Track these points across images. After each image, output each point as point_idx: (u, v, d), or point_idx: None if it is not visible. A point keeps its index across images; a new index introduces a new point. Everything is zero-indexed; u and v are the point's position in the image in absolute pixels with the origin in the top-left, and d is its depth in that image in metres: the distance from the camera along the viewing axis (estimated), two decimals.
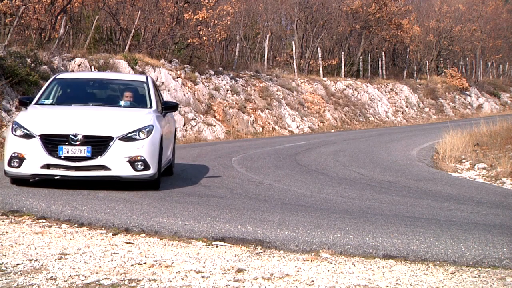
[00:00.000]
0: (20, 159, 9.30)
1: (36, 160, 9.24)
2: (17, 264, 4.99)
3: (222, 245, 5.87)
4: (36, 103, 10.32)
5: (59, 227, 6.82)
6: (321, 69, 34.74)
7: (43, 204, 8.15)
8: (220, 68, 28.52)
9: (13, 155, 9.33)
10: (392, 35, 41.03)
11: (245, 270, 4.79)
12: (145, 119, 9.79)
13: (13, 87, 18.59)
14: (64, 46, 23.34)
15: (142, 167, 9.35)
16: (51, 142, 9.22)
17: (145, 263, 5.01)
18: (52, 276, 4.62)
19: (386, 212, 8.48)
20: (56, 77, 11.12)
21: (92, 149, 9.21)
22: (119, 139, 9.30)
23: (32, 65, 19.60)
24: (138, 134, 9.45)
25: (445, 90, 42.46)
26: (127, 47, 25.16)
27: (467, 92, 44.21)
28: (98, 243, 5.89)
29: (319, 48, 35.44)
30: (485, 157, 15.38)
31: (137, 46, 26.19)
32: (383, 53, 40.54)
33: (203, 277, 4.58)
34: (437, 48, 45.20)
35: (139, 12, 26.22)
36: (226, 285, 4.37)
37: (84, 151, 9.20)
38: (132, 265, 4.95)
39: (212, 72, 27.15)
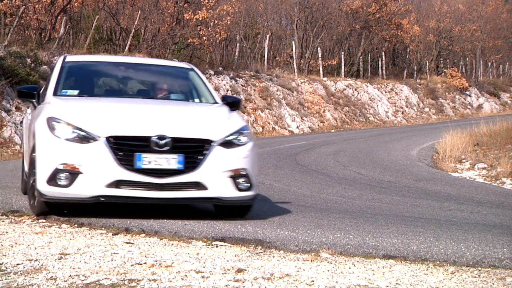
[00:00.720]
0: (72, 174, 6.48)
1: (100, 175, 6.46)
2: (17, 264, 4.99)
3: (222, 245, 5.87)
4: (56, 95, 7.55)
5: (59, 227, 6.82)
6: (321, 69, 34.74)
7: None
8: (220, 68, 28.52)
9: (60, 167, 6.49)
10: (392, 35, 41.03)
11: (245, 270, 4.80)
12: (235, 119, 7.26)
13: (13, 87, 18.60)
14: (64, 46, 23.35)
15: (248, 185, 6.85)
16: (124, 148, 6.48)
17: (145, 263, 5.01)
18: (52, 276, 4.62)
19: (386, 212, 8.49)
20: (66, 61, 8.22)
21: (185, 158, 6.56)
22: (218, 145, 6.71)
23: (32, 65, 19.62)
24: (239, 138, 6.90)
25: (445, 90, 42.45)
26: (127, 47, 25.17)
27: (467, 92, 44.20)
28: (98, 243, 5.89)
29: (319, 48, 35.44)
30: (485, 157, 15.38)
31: (137, 46, 26.20)
32: (383, 53, 40.55)
33: (203, 277, 4.58)
34: (437, 48, 45.19)
35: (139, 12, 26.23)
36: (226, 285, 4.37)
37: (173, 161, 6.52)
38: (132, 265, 4.96)
39: (212, 72, 27.16)
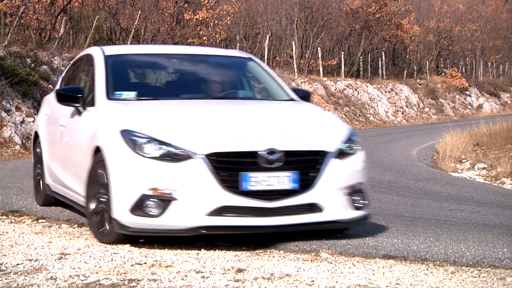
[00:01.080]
0: (163, 201, 5.33)
1: (199, 201, 5.32)
2: (17, 264, 4.99)
3: (222, 245, 5.86)
4: (110, 98, 6.32)
5: (59, 227, 6.82)
6: (321, 69, 34.74)
7: None
8: None
9: (148, 193, 5.35)
10: (392, 35, 41.05)
11: (245, 270, 4.79)
12: (337, 121, 6.22)
13: (13, 87, 18.60)
14: (64, 46, 23.37)
15: (365, 203, 5.99)
16: (228, 167, 5.35)
17: (145, 263, 5.01)
18: (52, 276, 4.62)
19: (386, 212, 8.48)
20: (107, 54, 6.86)
21: (300, 175, 5.50)
22: (333, 156, 5.67)
23: (32, 65, 19.62)
24: (351, 147, 5.88)
25: (445, 90, 42.45)
26: None
27: (467, 92, 44.21)
28: (98, 243, 5.89)
29: (319, 48, 35.44)
30: (485, 157, 15.38)
31: None
32: (383, 53, 40.56)
33: (203, 277, 4.58)
34: (437, 48, 45.21)
35: (139, 12, 26.24)
36: (226, 285, 4.37)
37: (286, 179, 5.44)
38: (132, 265, 4.96)
39: None
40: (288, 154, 5.44)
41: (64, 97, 6.65)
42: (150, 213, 5.36)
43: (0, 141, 17.36)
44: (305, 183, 5.49)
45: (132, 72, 7.18)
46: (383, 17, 39.43)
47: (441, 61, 46.77)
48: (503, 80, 50.62)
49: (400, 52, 45.02)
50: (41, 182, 8.01)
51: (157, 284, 4.40)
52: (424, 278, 4.67)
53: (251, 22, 35.91)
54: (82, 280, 4.52)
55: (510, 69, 52.50)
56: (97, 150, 5.86)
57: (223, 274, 4.67)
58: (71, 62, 8.19)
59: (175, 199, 5.32)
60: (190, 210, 5.32)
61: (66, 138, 7.02)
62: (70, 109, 6.84)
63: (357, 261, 5.23)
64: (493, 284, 4.57)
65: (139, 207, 5.37)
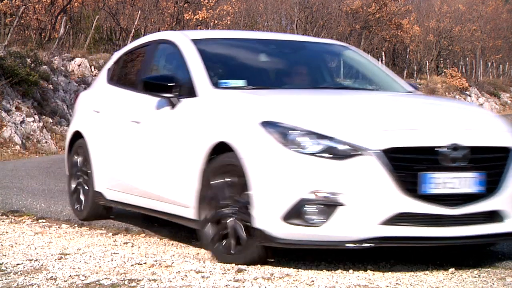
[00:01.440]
0: (327, 207, 4.42)
1: (374, 207, 4.41)
2: (17, 264, 4.99)
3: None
4: (218, 87, 5.39)
5: (59, 227, 6.82)
6: None
7: (43, 204, 8.16)
8: None
9: (309, 197, 4.41)
10: (392, 35, 41.07)
11: (245, 270, 4.79)
12: (494, 115, 5.46)
13: (13, 87, 18.61)
14: (64, 46, 23.39)
15: None
16: (404, 165, 4.43)
17: (145, 263, 5.01)
18: (52, 276, 4.62)
19: None
20: (194, 38, 5.97)
21: (487, 177, 4.62)
22: None
23: (32, 65, 19.63)
24: None
25: (445, 90, 42.46)
26: None
27: (467, 92, 44.20)
28: (98, 243, 5.90)
29: None
30: None
31: None
32: (383, 53, 40.56)
33: (203, 277, 4.58)
34: (437, 48, 45.21)
35: (139, 12, 26.26)
36: (226, 285, 4.37)
37: (470, 181, 4.57)
38: (132, 265, 4.95)
39: None
40: (474, 150, 4.59)
41: (151, 87, 5.63)
42: (312, 221, 4.43)
43: (0, 141, 17.37)
44: (491, 186, 4.63)
45: (227, 59, 6.21)
46: (383, 17, 39.46)
47: (441, 61, 46.78)
48: (503, 80, 50.60)
49: (400, 52, 45.03)
50: (82, 191, 7.09)
51: (157, 284, 4.40)
52: (424, 278, 4.67)
53: (251, 22, 35.92)
54: (82, 280, 4.52)
55: (510, 69, 52.51)
56: (218, 149, 4.95)
57: (223, 274, 4.67)
58: (126, 50, 7.13)
59: (341, 205, 4.38)
60: (360, 217, 4.40)
61: (149, 135, 5.92)
62: (153, 101, 5.81)
63: (357, 261, 5.23)
64: (493, 284, 4.57)
65: (295, 214, 4.44)
